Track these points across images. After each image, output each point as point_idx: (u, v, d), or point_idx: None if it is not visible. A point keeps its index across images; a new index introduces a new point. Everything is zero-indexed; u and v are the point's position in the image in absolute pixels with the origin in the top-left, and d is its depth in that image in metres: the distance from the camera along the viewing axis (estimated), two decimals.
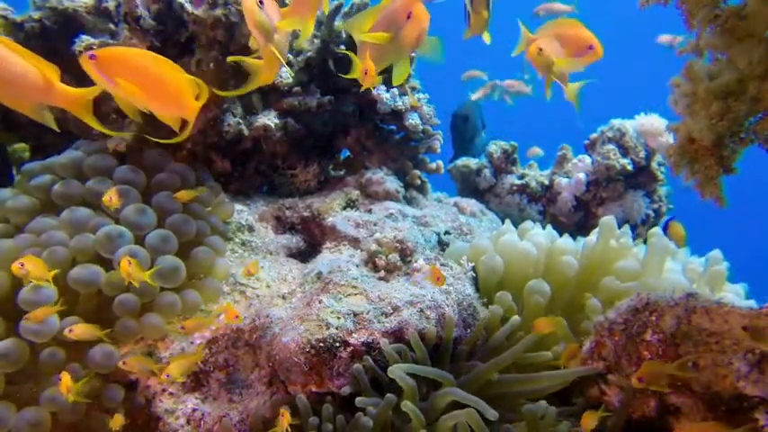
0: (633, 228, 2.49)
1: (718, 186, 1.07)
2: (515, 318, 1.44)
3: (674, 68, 1.15)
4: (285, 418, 1.23)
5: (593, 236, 1.75)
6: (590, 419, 1.19)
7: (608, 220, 1.66)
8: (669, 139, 2.26)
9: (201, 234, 1.62)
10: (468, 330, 1.47)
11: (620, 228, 1.72)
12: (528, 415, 1.22)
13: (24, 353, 1.33)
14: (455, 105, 3.13)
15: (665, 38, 3.32)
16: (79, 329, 1.33)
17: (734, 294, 1.67)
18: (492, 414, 1.17)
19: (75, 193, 1.55)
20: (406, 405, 1.21)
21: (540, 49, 1.38)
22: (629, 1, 1.09)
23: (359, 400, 1.25)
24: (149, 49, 1.63)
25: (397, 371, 1.25)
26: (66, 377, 1.26)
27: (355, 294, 1.44)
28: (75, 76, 1.25)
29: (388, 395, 1.23)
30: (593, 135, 2.59)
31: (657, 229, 1.67)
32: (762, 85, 0.95)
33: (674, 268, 1.63)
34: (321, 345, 1.32)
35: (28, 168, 1.61)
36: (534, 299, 1.50)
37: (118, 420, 1.34)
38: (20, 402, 1.32)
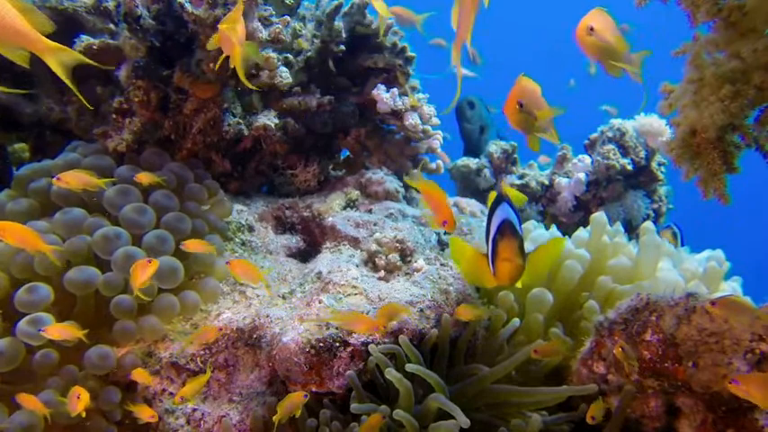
0: (634, 228, 2.49)
1: (723, 182, 1.05)
2: (515, 320, 1.43)
3: (674, 69, 1.15)
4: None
5: (582, 232, 1.75)
6: (596, 409, 1.20)
7: (599, 216, 1.65)
8: (670, 137, 2.26)
9: (200, 233, 1.61)
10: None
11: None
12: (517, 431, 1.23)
13: (20, 353, 1.32)
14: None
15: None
16: (54, 330, 1.28)
17: (731, 291, 1.67)
18: (464, 421, 1.16)
19: (74, 194, 1.55)
20: (399, 414, 1.21)
21: (521, 105, 1.26)
22: (629, 0, 1.09)
23: (354, 408, 1.25)
24: (149, 49, 1.63)
25: (393, 372, 1.24)
26: (84, 396, 1.23)
27: (355, 294, 1.44)
28: (76, 75, 1.25)
29: (382, 407, 1.23)
30: (593, 135, 2.59)
31: (649, 226, 1.66)
32: (766, 75, 0.95)
33: (669, 267, 1.62)
34: (321, 345, 1.32)
35: (24, 172, 1.61)
36: (533, 317, 1.48)
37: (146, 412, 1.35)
38: (14, 404, 1.30)
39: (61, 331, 1.29)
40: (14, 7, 1.09)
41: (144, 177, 1.55)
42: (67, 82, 1.20)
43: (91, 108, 1.51)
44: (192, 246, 1.46)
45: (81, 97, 1.29)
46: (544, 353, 1.30)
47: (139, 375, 1.37)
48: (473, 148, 2.91)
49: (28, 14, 1.10)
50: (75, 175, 1.39)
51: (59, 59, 1.18)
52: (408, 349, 1.30)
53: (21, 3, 1.10)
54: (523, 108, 1.25)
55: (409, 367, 1.26)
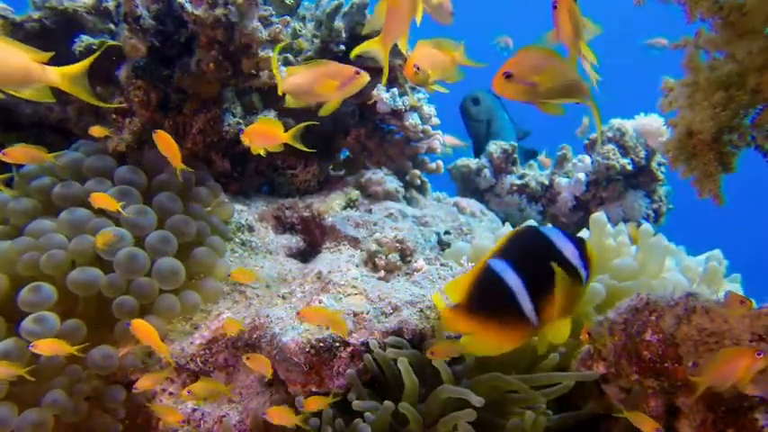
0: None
1: (717, 183, 1.05)
2: None
3: (674, 69, 1.15)
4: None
5: (584, 233, 1.74)
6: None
7: (598, 216, 1.65)
8: (668, 138, 2.25)
9: (202, 234, 1.62)
10: None
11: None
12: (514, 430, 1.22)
13: (24, 353, 1.33)
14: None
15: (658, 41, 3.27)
16: (44, 345, 1.27)
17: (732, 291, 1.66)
18: (477, 400, 1.15)
19: (75, 194, 1.55)
20: (404, 406, 1.20)
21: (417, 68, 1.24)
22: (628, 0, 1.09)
23: (356, 404, 1.25)
24: (149, 49, 1.63)
25: (405, 363, 1.24)
26: None
27: (355, 294, 1.44)
28: None
29: (387, 402, 1.23)
30: (593, 135, 2.59)
31: (648, 228, 1.65)
32: (761, 77, 0.94)
33: (672, 267, 1.62)
34: (321, 345, 1.32)
35: (27, 170, 1.61)
36: None
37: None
38: (20, 403, 1.31)
39: (52, 347, 1.27)
40: (13, 46, 1.09)
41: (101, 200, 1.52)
42: (89, 99, 1.21)
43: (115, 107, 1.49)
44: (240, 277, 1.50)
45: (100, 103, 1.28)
46: (441, 353, 1.20)
47: (143, 384, 1.36)
48: (482, 147, 2.84)
49: (25, 50, 1.10)
50: (23, 149, 1.38)
51: (73, 80, 1.18)
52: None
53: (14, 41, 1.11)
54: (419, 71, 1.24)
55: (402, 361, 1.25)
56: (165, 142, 1.40)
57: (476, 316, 1.04)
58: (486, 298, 1.04)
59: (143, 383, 1.34)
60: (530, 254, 1.03)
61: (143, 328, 1.29)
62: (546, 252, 1.03)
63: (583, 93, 1.06)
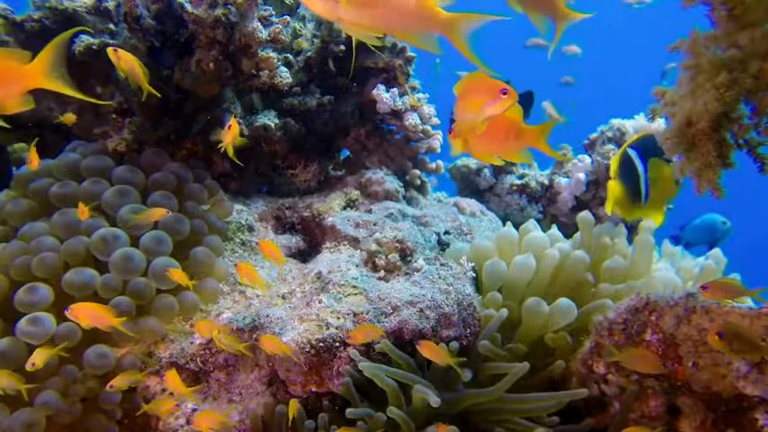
0: (634, 227, 2.48)
1: (717, 173, 1.04)
2: (503, 311, 1.42)
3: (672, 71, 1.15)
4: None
5: (578, 234, 1.74)
6: None
7: (584, 215, 1.64)
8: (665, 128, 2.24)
9: (199, 233, 1.61)
10: (468, 330, 1.47)
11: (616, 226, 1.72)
12: None
13: (21, 353, 1.33)
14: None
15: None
16: (39, 357, 1.25)
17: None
18: (434, 401, 1.18)
19: (71, 194, 1.55)
20: (393, 411, 1.21)
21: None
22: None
23: (349, 412, 1.25)
24: (149, 49, 1.63)
25: (370, 370, 1.25)
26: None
27: (355, 294, 1.45)
28: (76, 75, 1.25)
29: (379, 413, 1.23)
30: (593, 135, 2.59)
31: (647, 226, 1.65)
32: (763, 63, 0.94)
33: (667, 266, 1.62)
34: (321, 345, 1.32)
35: (24, 172, 1.61)
36: (532, 320, 1.46)
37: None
38: (15, 404, 1.31)
39: (44, 357, 1.26)
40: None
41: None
42: (70, 91, 1.13)
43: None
44: (175, 276, 1.42)
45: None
46: (358, 338, 1.30)
47: (118, 385, 1.34)
48: None
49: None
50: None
51: (48, 75, 1.09)
52: (393, 353, 1.31)
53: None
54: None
55: (367, 366, 1.28)
56: (126, 60, 1.33)
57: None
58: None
59: (117, 382, 1.32)
60: (643, 149, 1.35)
61: (83, 310, 1.24)
62: (654, 145, 1.33)
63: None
